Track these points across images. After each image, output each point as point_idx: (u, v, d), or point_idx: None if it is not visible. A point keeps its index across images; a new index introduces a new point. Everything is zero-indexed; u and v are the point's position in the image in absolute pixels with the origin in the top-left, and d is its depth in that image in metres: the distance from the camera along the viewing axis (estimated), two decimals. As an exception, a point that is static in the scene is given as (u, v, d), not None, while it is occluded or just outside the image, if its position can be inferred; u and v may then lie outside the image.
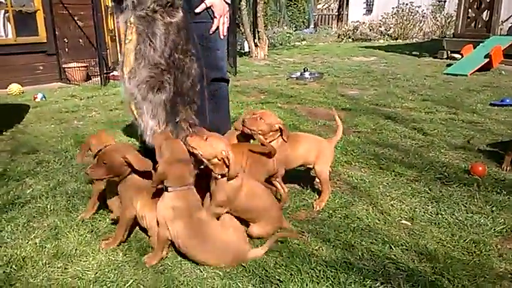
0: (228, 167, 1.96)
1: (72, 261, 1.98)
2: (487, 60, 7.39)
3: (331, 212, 2.40)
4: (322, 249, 2.03)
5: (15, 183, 2.88)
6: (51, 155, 3.43)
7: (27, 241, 2.15)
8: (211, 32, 2.44)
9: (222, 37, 2.48)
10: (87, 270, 1.90)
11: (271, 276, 1.82)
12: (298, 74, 7.17)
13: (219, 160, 1.96)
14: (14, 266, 1.95)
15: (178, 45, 2.00)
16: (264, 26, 11.32)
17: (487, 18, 9.13)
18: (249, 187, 2.07)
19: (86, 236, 2.18)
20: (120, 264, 1.94)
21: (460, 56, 8.42)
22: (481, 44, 8.04)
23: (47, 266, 1.95)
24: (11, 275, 1.89)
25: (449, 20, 14.81)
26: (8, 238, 2.20)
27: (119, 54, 8.97)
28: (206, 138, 1.98)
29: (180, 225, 1.90)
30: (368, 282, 1.77)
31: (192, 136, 2.02)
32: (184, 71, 2.03)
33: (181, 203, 1.92)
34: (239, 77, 7.29)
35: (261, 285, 1.78)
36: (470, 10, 9.42)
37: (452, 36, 10.07)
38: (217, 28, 2.46)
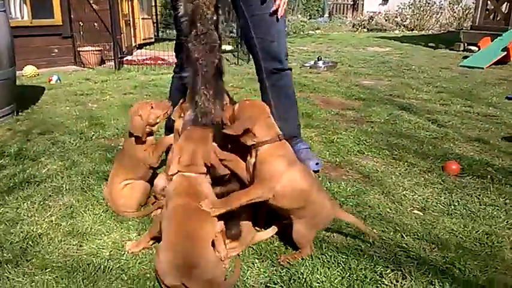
0: None
1: (87, 239, 2.02)
2: (504, 53, 7.24)
3: (342, 199, 2.41)
4: (334, 236, 2.04)
5: (31, 163, 2.93)
6: (67, 136, 3.47)
7: (43, 218, 2.20)
8: (271, 11, 2.47)
9: (279, 17, 2.50)
10: (102, 248, 1.94)
11: (283, 260, 1.84)
12: (312, 62, 7.12)
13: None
14: (30, 242, 1.99)
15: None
16: (279, 14, 11.21)
17: (506, 11, 8.95)
18: None
19: (101, 215, 2.22)
20: (133, 244, 1.98)
21: (476, 49, 8.29)
22: (499, 37, 7.89)
23: (63, 243, 1.99)
24: (27, 250, 1.94)
25: (467, 12, 14.55)
26: (24, 215, 2.24)
27: (132, 38, 8.98)
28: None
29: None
30: (379, 268, 1.78)
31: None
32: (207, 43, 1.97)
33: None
34: (252, 64, 7.25)
35: (271, 268, 1.80)
36: (489, 2, 9.24)
37: (469, 28, 9.89)
38: (276, 12, 2.47)
